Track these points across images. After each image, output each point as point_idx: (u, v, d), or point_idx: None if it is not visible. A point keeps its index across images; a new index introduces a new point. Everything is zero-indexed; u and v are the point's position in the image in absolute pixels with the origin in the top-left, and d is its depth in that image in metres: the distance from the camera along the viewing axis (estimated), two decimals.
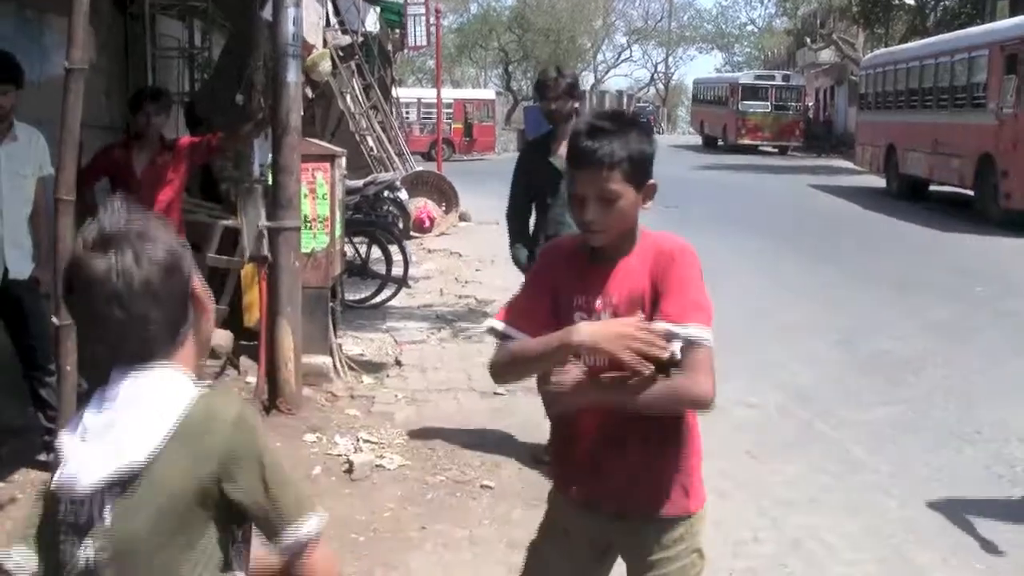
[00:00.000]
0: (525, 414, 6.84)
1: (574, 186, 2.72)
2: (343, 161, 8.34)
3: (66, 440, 1.95)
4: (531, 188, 6.35)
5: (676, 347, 2.56)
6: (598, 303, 2.73)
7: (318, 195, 7.79)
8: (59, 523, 1.94)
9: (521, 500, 5.61)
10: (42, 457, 5.65)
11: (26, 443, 5.98)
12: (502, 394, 7.38)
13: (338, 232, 8.15)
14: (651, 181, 2.74)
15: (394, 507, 5.52)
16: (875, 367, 8.63)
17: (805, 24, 49.96)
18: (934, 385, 8.07)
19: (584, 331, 2.59)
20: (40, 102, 6.16)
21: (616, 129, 2.67)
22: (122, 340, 1.93)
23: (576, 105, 6.26)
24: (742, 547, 5.14)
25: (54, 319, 3.30)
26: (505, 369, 2.79)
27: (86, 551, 1.92)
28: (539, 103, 6.43)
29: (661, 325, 2.57)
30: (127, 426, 1.91)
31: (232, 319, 8.19)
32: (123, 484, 1.89)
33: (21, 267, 5.72)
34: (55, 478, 1.94)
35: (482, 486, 5.87)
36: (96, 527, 1.92)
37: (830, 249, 15.30)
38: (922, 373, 8.41)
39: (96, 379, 1.99)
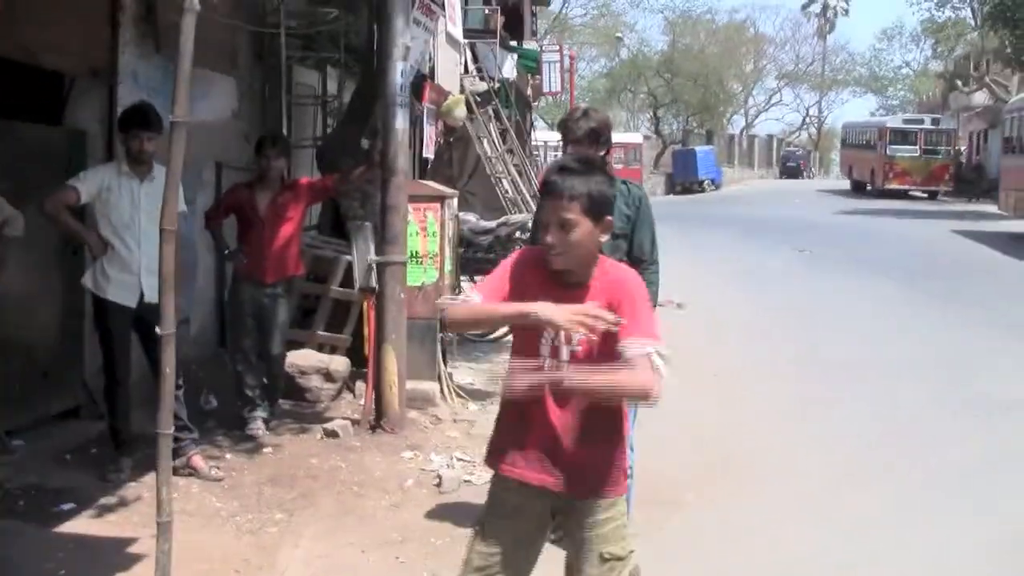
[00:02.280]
0: None
1: (540, 213, 3.26)
2: (454, 202, 8.93)
3: None
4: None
5: (633, 352, 3.07)
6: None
7: (429, 232, 8.39)
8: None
9: None
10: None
11: (155, 449, 6.66)
12: None
13: (448, 268, 8.73)
14: (608, 218, 3.23)
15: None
16: (972, 408, 8.70)
17: (958, 66, 48.93)
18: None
19: (542, 307, 3.09)
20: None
21: (582, 170, 3.21)
22: None
23: (602, 153, 5.18)
24: (795, 565, 5.42)
25: (157, 329, 3.85)
26: (462, 317, 3.37)
27: None
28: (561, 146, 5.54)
29: (622, 344, 3.10)
30: None
31: (354, 347, 8.84)
32: None
33: (155, 293, 6.42)
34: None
35: None
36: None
37: (957, 293, 15.21)
38: (1014, 415, 8.45)
39: None
